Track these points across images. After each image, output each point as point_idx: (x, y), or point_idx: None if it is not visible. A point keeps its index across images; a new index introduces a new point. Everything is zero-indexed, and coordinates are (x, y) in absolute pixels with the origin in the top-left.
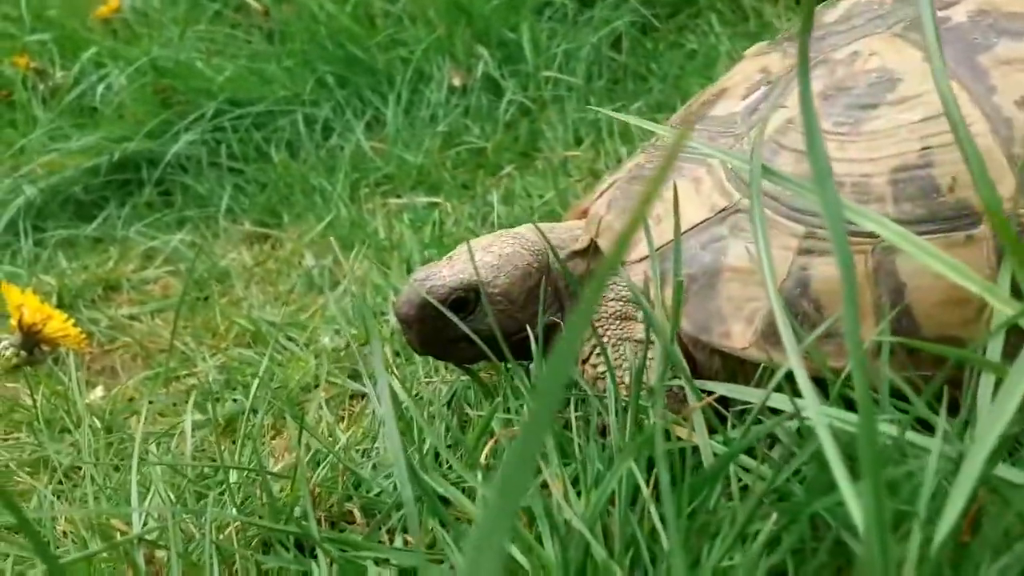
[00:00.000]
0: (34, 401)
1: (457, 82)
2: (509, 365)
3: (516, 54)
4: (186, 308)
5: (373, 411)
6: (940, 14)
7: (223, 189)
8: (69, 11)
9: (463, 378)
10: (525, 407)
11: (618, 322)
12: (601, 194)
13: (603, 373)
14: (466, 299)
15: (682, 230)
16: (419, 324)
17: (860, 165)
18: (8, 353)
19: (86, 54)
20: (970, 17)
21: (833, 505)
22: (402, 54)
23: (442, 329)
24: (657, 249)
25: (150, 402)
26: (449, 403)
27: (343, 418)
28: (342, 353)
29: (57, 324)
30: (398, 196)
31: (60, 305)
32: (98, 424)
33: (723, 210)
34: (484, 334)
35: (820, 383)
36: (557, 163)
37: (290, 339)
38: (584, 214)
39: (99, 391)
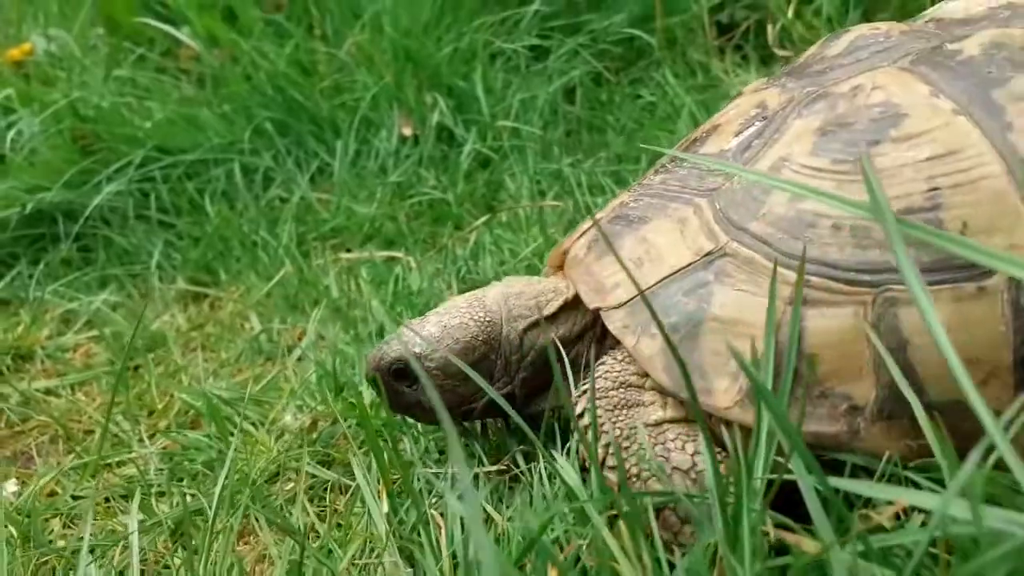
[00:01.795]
0: None
1: (407, 131)
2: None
3: (468, 103)
4: (114, 381)
5: (368, 512)
6: (951, 47)
7: (152, 244)
8: None
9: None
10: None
11: (624, 411)
12: (582, 234)
13: (637, 476)
14: (405, 371)
15: (665, 275)
16: (377, 388)
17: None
18: None
19: None
20: (984, 50)
21: None
22: (347, 101)
23: (397, 394)
24: (636, 296)
25: (74, 498)
26: None
27: (323, 516)
28: (312, 435)
29: None
30: (348, 250)
31: None
32: (13, 532)
33: (708, 254)
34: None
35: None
36: (528, 214)
37: (243, 417)
38: (565, 254)
39: (11, 485)
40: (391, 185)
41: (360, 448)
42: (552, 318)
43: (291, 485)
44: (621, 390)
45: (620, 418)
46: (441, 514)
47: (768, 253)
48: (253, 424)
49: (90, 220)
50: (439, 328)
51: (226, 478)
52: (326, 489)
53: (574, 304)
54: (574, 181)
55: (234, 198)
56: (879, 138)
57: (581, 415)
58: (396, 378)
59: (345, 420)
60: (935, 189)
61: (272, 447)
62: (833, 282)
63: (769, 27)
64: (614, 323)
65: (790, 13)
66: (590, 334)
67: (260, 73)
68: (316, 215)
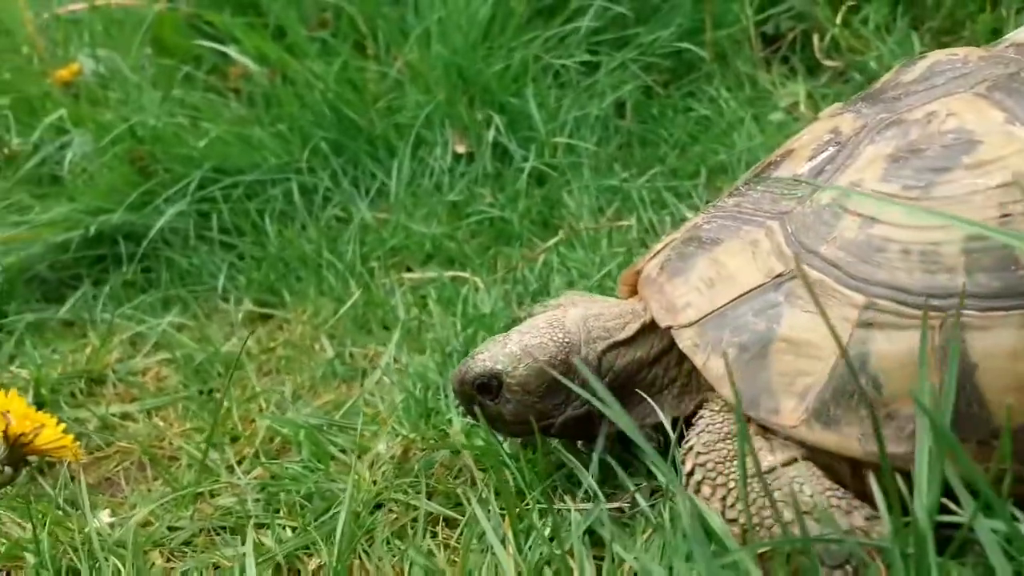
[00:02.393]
0: (35, 537)
1: (461, 149)
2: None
3: (519, 120)
4: (192, 406)
5: (491, 548)
6: None
7: (215, 265)
8: (23, 75)
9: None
10: None
11: (734, 463)
12: (655, 254)
13: (760, 524)
14: (488, 385)
15: (736, 295)
16: (462, 400)
17: (931, 232)
18: None
19: (47, 119)
20: None
21: None
22: (400, 120)
23: (481, 407)
24: (707, 315)
25: (170, 528)
26: None
27: (432, 552)
28: (407, 463)
29: (51, 434)
30: (408, 269)
31: (38, 403)
32: (118, 565)
33: (779, 276)
34: (518, 416)
35: None
36: (596, 235)
37: (337, 446)
38: (638, 275)
39: (106, 515)
40: (447, 203)
41: (457, 478)
42: (630, 341)
43: (394, 517)
44: (727, 441)
45: (731, 470)
46: (568, 552)
47: (837, 276)
48: (343, 451)
49: (151, 241)
50: (520, 347)
51: (329, 510)
52: (432, 522)
53: (652, 327)
54: (636, 197)
55: (292, 218)
56: (951, 165)
57: (691, 472)
58: (480, 392)
59: (436, 448)
60: (1006, 216)
61: (367, 476)
62: (902, 306)
63: (815, 37)
64: (684, 341)
65: (838, 22)
66: (667, 357)
67: (314, 92)
68: (375, 235)
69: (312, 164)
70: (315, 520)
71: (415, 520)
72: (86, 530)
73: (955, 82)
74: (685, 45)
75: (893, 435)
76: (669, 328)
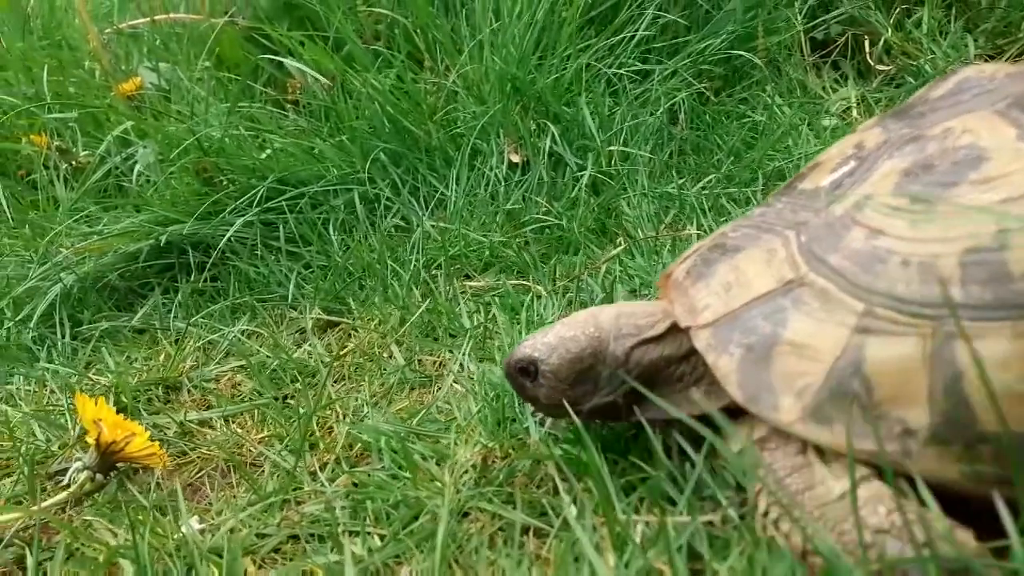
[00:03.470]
0: (135, 543)
1: (515, 158)
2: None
3: (573, 128)
4: (269, 411)
5: (583, 558)
6: None
7: (282, 274)
8: (86, 89)
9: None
10: None
11: (805, 495)
12: (684, 259)
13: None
14: (527, 369)
15: (749, 299)
16: (509, 380)
17: (930, 245)
18: (82, 477)
19: (114, 132)
20: None
21: None
22: (457, 130)
23: (522, 388)
24: (722, 317)
25: (259, 535)
26: None
27: (520, 562)
28: (488, 472)
29: (141, 442)
30: (467, 277)
31: (119, 409)
32: (215, 572)
33: (789, 282)
34: (551, 399)
35: None
36: (656, 243)
37: (419, 453)
38: (669, 277)
39: (195, 522)
40: (504, 212)
41: (539, 487)
42: (659, 338)
43: (480, 526)
44: (796, 475)
45: (806, 502)
46: (670, 566)
47: (841, 284)
48: (424, 458)
49: (218, 250)
50: (556, 338)
51: (417, 518)
52: (519, 532)
53: (680, 326)
54: (695, 204)
55: (354, 228)
56: (958, 180)
57: (766, 512)
58: (521, 375)
59: (518, 458)
60: (1003, 230)
61: (450, 484)
62: (898, 314)
63: (867, 41)
64: (699, 341)
65: (890, 27)
66: (695, 356)
67: (373, 104)
68: (435, 243)
69: (372, 174)
70: (403, 528)
71: (501, 530)
72: (175, 536)
73: (979, 99)
74: (737, 52)
75: (883, 435)
76: (689, 328)
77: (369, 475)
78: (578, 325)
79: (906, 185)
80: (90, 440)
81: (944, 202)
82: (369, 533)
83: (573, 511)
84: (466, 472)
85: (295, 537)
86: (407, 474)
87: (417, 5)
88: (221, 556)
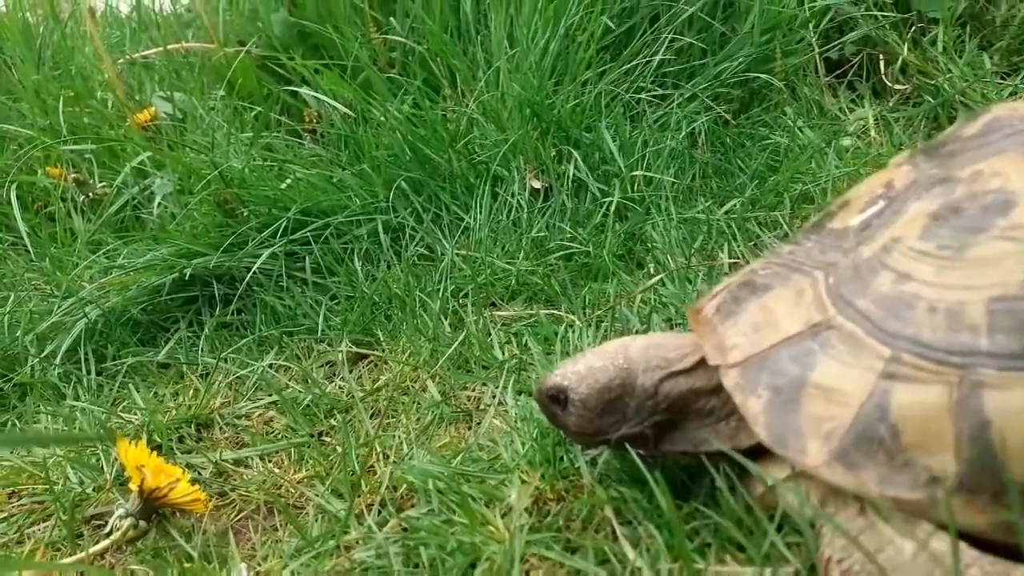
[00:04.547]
0: None
1: (537, 185)
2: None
3: (593, 154)
4: (306, 451)
5: None
6: None
7: (308, 306)
8: (101, 120)
9: None
10: None
11: (879, 556)
12: (715, 296)
13: None
14: (557, 397)
15: (777, 340)
16: (540, 406)
17: (956, 292)
18: (125, 524)
19: (131, 163)
20: None
21: None
22: (477, 158)
23: (553, 416)
24: (750, 357)
25: None
26: None
27: None
28: (540, 518)
29: (184, 488)
30: (493, 305)
31: (151, 449)
32: None
33: (816, 324)
34: (580, 427)
35: None
36: (688, 273)
37: (469, 496)
38: (699, 313)
39: (244, 570)
40: (528, 239)
41: (598, 531)
42: (688, 371)
43: (538, 574)
44: (861, 539)
45: (880, 563)
46: None
47: (869, 329)
48: (472, 499)
49: (244, 283)
50: (586, 368)
51: (475, 565)
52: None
53: (689, 372)
54: (723, 228)
55: (377, 257)
56: (986, 226)
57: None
58: (552, 402)
59: (573, 501)
60: None
61: (502, 529)
62: (924, 360)
63: (882, 61)
64: (728, 380)
65: (905, 46)
66: (726, 391)
67: (394, 132)
68: (459, 272)
69: (394, 204)
70: None
71: None
72: None
73: (1010, 140)
74: (754, 74)
75: (909, 482)
76: (718, 366)
77: (418, 519)
78: (608, 356)
79: (935, 229)
80: (133, 487)
81: (972, 248)
82: None
83: (643, 559)
84: (522, 516)
85: None
86: (461, 519)
87: (432, 32)
88: None
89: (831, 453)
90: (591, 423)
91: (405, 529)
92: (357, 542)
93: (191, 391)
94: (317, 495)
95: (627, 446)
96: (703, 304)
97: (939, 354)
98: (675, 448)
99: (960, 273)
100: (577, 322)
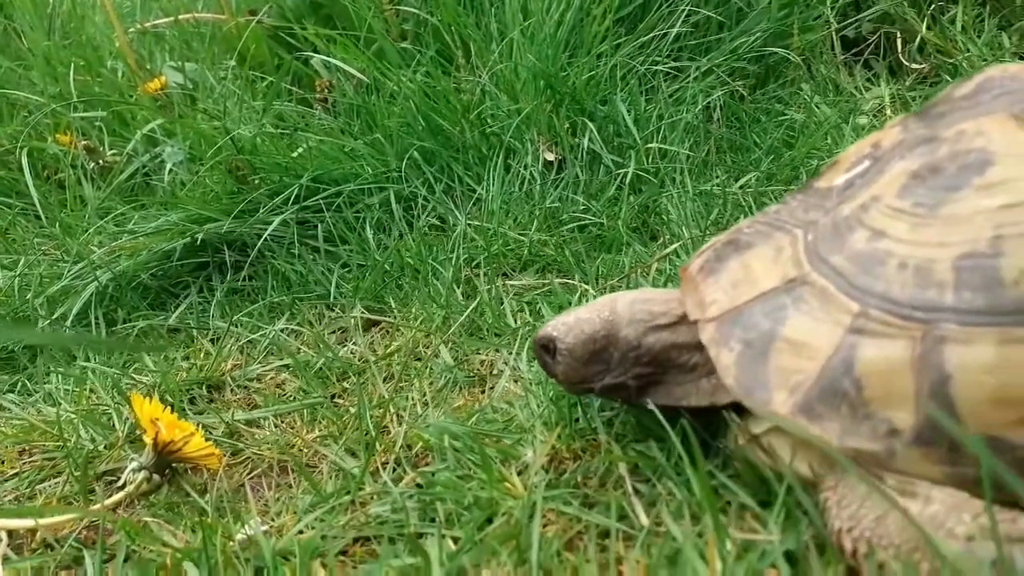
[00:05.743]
0: (204, 546)
1: (550, 157)
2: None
3: (607, 126)
4: (319, 411)
5: (675, 562)
6: None
7: (319, 273)
8: (111, 88)
9: None
10: None
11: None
12: (702, 253)
13: None
14: (548, 346)
15: (753, 296)
16: (536, 355)
17: (928, 249)
18: (139, 478)
19: (142, 130)
20: None
21: None
22: (490, 129)
23: (545, 364)
24: (726, 312)
25: (323, 538)
26: None
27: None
28: (557, 475)
29: (198, 443)
30: (505, 275)
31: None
32: (287, 573)
33: (791, 280)
34: (568, 376)
35: None
36: (704, 241)
37: (471, 450)
38: (686, 270)
39: (257, 524)
40: (540, 210)
41: (616, 488)
42: (671, 326)
43: (557, 529)
44: (865, 505)
45: (888, 527)
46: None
47: (840, 285)
48: (490, 459)
49: (256, 249)
50: (574, 319)
51: (491, 520)
52: (599, 535)
53: (671, 326)
54: (739, 201)
55: (389, 227)
56: (961, 184)
57: (854, 551)
58: (543, 351)
59: (591, 458)
60: (999, 237)
61: (519, 485)
62: (891, 316)
63: (899, 39)
64: (704, 334)
65: (924, 23)
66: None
67: (408, 102)
68: (471, 242)
69: (406, 173)
70: (477, 530)
71: (581, 533)
72: (238, 538)
73: (999, 100)
74: (771, 49)
75: (868, 433)
76: (696, 321)
77: (434, 474)
78: (596, 308)
79: (912, 188)
80: (147, 440)
81: (946, 206)
82: (444, 535)
83: (664, 514)
84: (536, 473)
85: (361, 539)
86: (479, 475)
87: (445, 2)
88: (287, 559)
89: (796, 405)
90: (577, 372)
91: (420, 485)
92: (372, 497)
93: (202, 354)
94: (331, 454)
95: (611, 397)
96: (691, 262)
97: (905, 309)
98: (657, 401)
99: (933, 230)
100: (591, 291)
